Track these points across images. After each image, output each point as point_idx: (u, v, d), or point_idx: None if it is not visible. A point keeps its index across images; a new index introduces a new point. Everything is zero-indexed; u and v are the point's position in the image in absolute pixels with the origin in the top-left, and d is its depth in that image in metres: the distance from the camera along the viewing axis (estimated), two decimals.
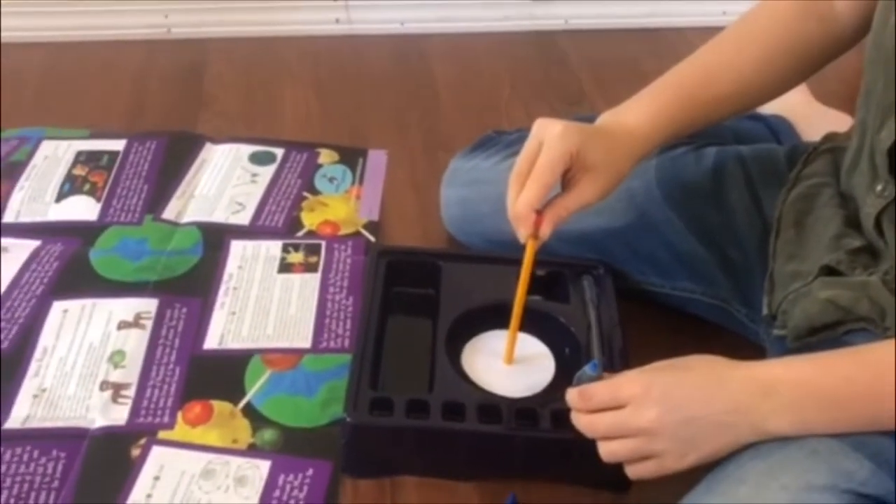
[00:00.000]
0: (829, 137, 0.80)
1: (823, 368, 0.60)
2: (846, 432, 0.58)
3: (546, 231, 0.68)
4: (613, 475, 0.71)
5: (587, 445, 0.68)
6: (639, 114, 0.72)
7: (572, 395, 0.66)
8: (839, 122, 1.11)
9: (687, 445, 0.61)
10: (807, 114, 1.10)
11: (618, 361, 0.75)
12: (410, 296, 0.85)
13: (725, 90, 0.74)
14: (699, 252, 0.82)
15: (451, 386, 0.73)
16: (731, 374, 0.61)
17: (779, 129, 1.05)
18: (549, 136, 0.66)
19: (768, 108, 1.11)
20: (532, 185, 0.66)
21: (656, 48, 1.40)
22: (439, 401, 0.71)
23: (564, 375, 0.75)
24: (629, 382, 0.63)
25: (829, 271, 0.67)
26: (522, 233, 0.68)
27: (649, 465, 0.63)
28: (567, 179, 0.69)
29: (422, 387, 0.74)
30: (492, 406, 0.71)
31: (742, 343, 0.82)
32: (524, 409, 0.71)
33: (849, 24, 0.72)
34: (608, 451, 0.63)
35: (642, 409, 0.61)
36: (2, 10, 1.32)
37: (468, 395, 0.72)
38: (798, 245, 0.73)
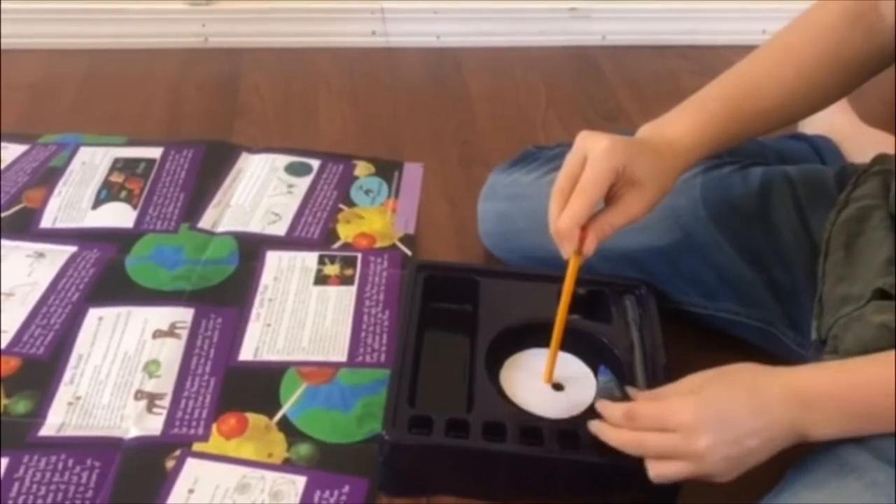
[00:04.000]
0: (880, 159, 0.78)
1: (857, 376, 0.60)
2: (873, 433, 0.59)
3: (590, 247, 0.66)
4: (657, 501, 0.70)
5: (630, 470, 0.67)
6: (682, 127, 0.71)
7: (615, 413, 0.65)
8: (884, 142, 1.09)
9: (734, 464, 0.62)
10: (851, 134, 1.08)
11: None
12: (448, 311, 0.83)
13: (770, 103, 0.73)
14: (745, 273, 0.80)
15: (492, 405, 0.72)
16: (771, 389, 0.61)
17: (823, 149, 1.03)
18: (595, 150, 0.65)
19: (812, 129, 1.10)
20: (577, 200, 0.64)
21: (694, 65, 1.38)
22: (479, 420, 0.69)
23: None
24: (679, 410, 0.62)
25: (882, 295, 0.66)
26: (567, 249, 0.66)
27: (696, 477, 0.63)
28: (611, 195, 0.67)
29: (460, 404, 0.73)
30: (533, 427, 0.69)
31: None
32: (566, 431, 0.69)
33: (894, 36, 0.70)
34: (658, 472, 0.64)
35: (695, 436, 0.61)
36: (41, 17, 1.34)
37: (509, 416, 0.70)
38: (848, 267, 0.71)
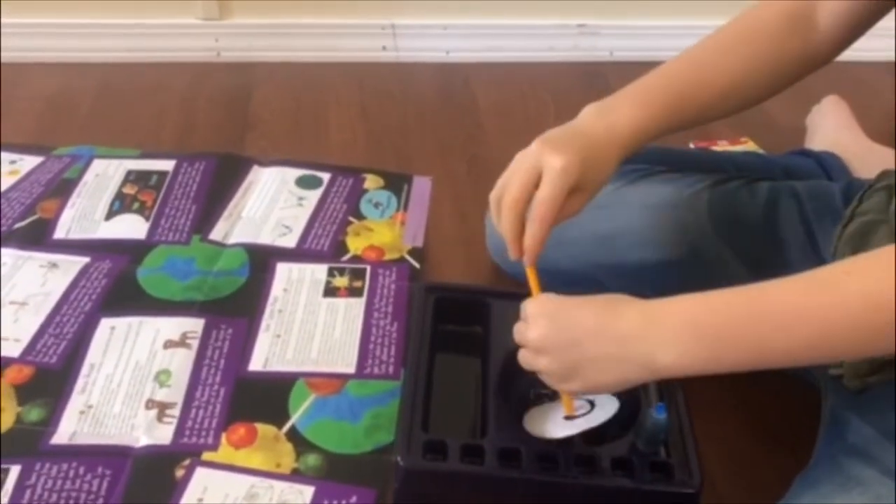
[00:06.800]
0: (886, 174, 0.79)
1: (706, 300, 0.58)
2: (732, 370, 0.56)
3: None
4: None
5: (648, 493, 0.67)
6: (627, 117, 0.70)
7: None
8: (890, 159, 1.09)
9: (571, 370, 0.62)
10: (858, 151, 1.08)
11: (680, 401, 0.73)
12: (458, 333, 0.83)
13: (711, 97, 0.73)
14: None
15: (506, 430, 0.71)
16: (626, 306, 0.61)
17: (830, 165, 1.04)
18: (551, 168, 0.64)
19: (819, 145, 1.11)
20: (538, 226, 0.65)
21: None
22: (495, 446, 0.69)
23: (621, 417, 0.73)
24: (531, 301, 0.66)
25: None
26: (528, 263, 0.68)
27: (544, 378, 0.65)
28: None
29: (474, 429, 0.73)
30: (549, 452, 0.68)
31: (795, 383, 0.80)
32: (583, 455, 0.68)
33: (826, 46, 0.73)
34: (520, 357, 0.66)
35: (532, 325, 0.63)
36: (56, 31, 1.36)
37: (524, 441, 0.69)
38: None
